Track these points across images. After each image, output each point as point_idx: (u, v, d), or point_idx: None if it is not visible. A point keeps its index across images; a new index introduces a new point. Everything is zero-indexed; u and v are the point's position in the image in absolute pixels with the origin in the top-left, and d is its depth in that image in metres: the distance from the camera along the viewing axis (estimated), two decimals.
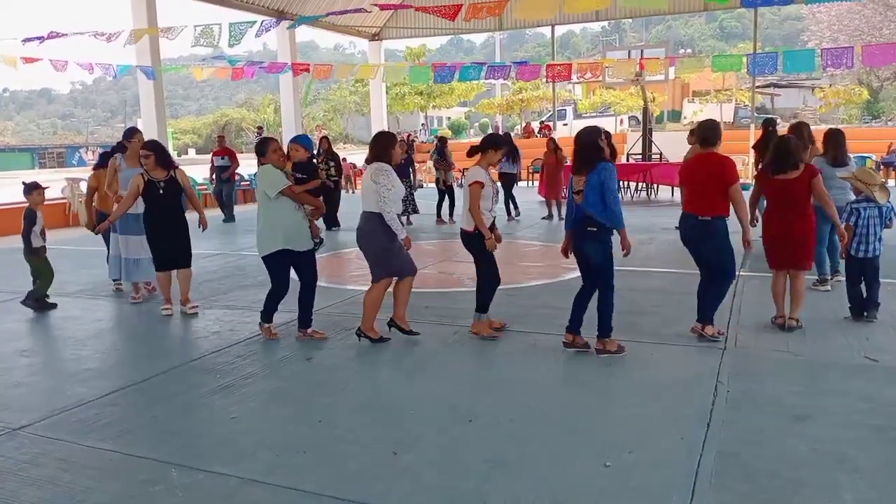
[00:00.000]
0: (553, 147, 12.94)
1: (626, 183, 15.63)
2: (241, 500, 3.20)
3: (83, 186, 14.63)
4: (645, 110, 18.21)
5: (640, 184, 15.88)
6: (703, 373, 4.63)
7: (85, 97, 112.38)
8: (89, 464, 3.58)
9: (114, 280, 7.66)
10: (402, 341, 5.50)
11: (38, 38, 13.46)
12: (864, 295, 5.72)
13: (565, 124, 32.96)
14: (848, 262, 5.77)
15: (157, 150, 6.47)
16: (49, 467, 3.55)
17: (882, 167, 18.29)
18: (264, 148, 5.51)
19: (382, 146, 5.37)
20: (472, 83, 32.60)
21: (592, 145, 4.92)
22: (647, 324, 5.77)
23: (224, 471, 3.44)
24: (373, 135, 5.84)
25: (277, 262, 5.52)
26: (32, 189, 6.85)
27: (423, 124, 38.67)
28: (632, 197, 15.32)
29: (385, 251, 5.31)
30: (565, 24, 26.35)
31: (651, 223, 11.28)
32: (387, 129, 6.79)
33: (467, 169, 5.71)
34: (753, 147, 10.53)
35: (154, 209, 6.40)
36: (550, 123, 27.52)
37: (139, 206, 6.57)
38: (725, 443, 3.60)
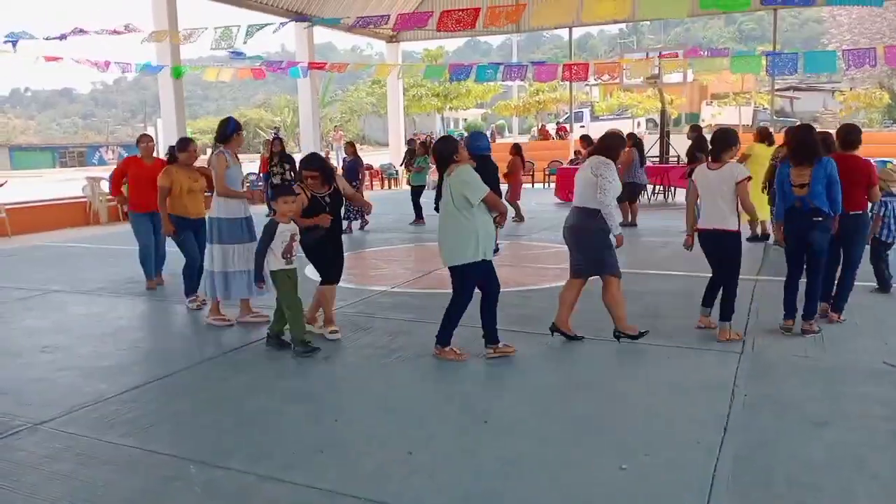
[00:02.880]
0: (516, 151, 12.90)
1: None
2: (259, 498, 3.23)
3: (104, 186, 14.87)
4: (662, 113, 18.10)
5: (657, 186, 15.78)
6: (720, 376, 4.61)
7: (105, 97, 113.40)
8: (109, 459, 3.63)
9: (194, 296, 6.87)
10: (415, 343, 5.51)
11: (60, 36, 13.65)
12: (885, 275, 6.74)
13: (582, 126, 32.88)
14: (874, 245, 6.69)
15: (322, 169, 5.55)
16: (69, 462, 3.60)
17: None
18: (456, 146, 4.98)
19: (609, 145, 5.32)
20: (489, 85, 32.60)
21: (814, 142, 5.30)
22: (664, 326, 5.73)
23: (242, 468, 3.48)
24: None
25: (472, 273, 4.98)
26: (279, 195, 5.35)
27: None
28: (649, 200, 15.22)
29: (599, 249, 5.23)
30: (583, 26, 26.27)
31: (669, 226, 11.22)
32: (617, 131, 6.44)
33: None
34: (687, 153, 11.16)
35: (317, 227, 5.46)
36: (567, 125, 27.45)
37: (246, 210, 6.20)
38: (742, 447, 3.59)
